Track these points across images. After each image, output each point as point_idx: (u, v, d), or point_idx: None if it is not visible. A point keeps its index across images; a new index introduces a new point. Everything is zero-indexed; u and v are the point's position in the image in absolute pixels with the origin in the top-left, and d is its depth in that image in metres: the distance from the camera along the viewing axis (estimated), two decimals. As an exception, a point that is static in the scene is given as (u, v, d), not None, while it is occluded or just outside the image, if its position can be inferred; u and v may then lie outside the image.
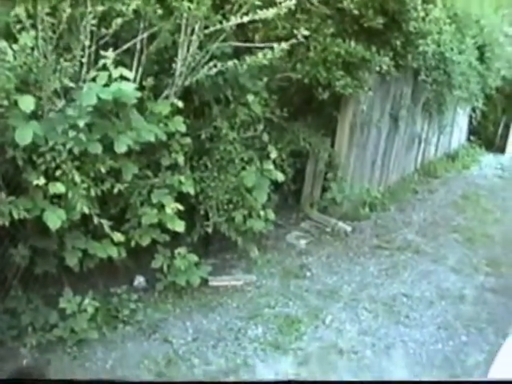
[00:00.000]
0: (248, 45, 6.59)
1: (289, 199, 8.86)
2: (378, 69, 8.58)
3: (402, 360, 6.15)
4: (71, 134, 5.15)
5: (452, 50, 11.24)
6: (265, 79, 7.32)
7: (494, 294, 7.61)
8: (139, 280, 6.81)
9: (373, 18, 7.94)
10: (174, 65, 6.17)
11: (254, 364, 5.89)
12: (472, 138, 16.58)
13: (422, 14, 8.95)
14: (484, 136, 16.59)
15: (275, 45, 6.27)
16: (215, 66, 6.16)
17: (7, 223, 5.08)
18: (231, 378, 5.64)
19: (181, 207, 6.23)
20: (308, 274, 7.67)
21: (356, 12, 7.75)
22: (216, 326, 6.44)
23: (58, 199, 5.33)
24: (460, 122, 15.37)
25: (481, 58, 13.60)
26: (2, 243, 5.53)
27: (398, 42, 8.95)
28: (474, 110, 15.40)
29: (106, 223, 5.65)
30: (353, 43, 7.93)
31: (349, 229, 8.93)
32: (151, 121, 5.90)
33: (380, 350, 6.27)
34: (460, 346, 6.46)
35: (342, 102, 9.10)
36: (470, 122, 16.43)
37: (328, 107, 8.88)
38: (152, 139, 5.73)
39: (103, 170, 5.54)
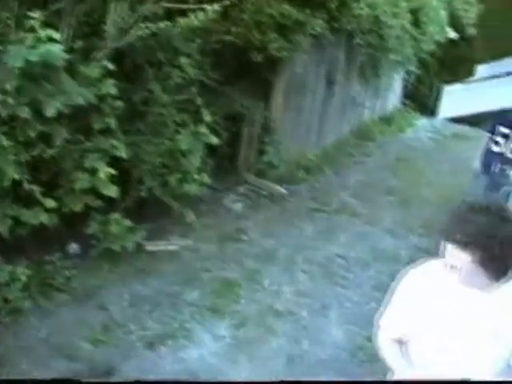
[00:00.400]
0: (180, 6, 6.46)
1: (225, 163, 8.79)
2: (312, 31, 8.55)
3: (338, 320, 6.21)
4: (-1, 97, 5.03)
5: (386, 13, 11.27)
6: (198, 41, 7.23)
7: (428, 254, 7.69)
8: (73, 247, 6.70)
9: (307, -21, 7.91)
10: (104, 26, 6.03)
11: (192, 328, 5.87)
12: (406, 101, 16.75)
13: (356, -24, 8.95)
14: (418, 100, 16.78)
15: (208, 6, 6.17)
16: (147, 27, 6.04)
17: None
18: (168, 343, 5.62)
19: (114, 172, 6.13)
20: (245, 237, 7.67)
21: (290, -26, 7.70)
22: (152, 291, 6.39)
23: (-14, 165, 5.20)
24: (395, 86, 15.50)
25: (415, 22, 13.69)
26: None
27: (333, 5, 8.95)
28: (408, 73, 15.55)
29: (36, 189, 5.54)
30: (286, 5, 7.87)
31: (285, 192, 8.95)
32: (82, 84, 5.77)
33: (316, 311, 6.31)
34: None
35: (277, 66, 9.05)
36: (405, 86, 16.59)
37: (263, 70, 8.82)
38: (82, 102, 5.61)
39: (33, 135, 5.41)
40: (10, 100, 5.04)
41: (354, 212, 8.74)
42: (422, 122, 15.78)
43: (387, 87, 14.75)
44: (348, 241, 7.85)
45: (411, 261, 7.39)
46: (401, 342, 3.29)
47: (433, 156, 12.59)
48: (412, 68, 15.12)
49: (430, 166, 11.68)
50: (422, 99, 16.65)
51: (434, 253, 7.68)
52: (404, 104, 16.70)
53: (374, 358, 5.58)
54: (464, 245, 2.77)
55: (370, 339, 5.82)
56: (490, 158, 7.60)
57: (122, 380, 4.44)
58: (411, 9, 13.23)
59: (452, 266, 2.88)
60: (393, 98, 15.81)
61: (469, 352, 2.97)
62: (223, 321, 6.03)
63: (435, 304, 3.05)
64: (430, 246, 7.89)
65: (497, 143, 7.53)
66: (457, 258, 2.84)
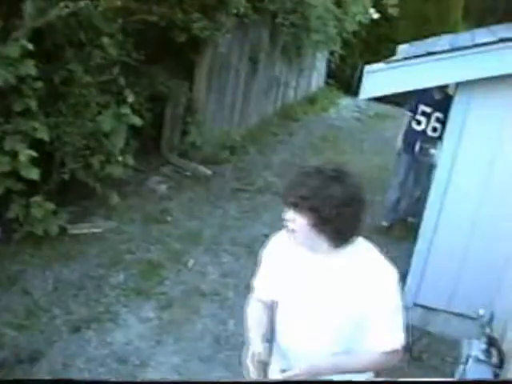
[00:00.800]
0: (101, -15, 6.40)
1: (148, 144, 8.74)
2: (235, 11, 8.53)
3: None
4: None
5: (309, -7, 11.32)
6: (120, 21, 7.14)
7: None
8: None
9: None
10: (22, 5, 5.90)
11: (117, 311, 5.85)
12: (330, 81, 16.90)
13: (277, -46, 8.96)
14: (342, 79, 16.94)
15: (129, -15, 6.12)
16: (67, 6, 5.94)
17: None
18: (94, 326, 5.58)
19: (35, 154, 6.03)
20: (169, 218, 7.66)
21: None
22: (77, 274, 6.34)
23: None
24: (318, 66, 15.62)
25: (337, 2, 13.78)
26: None
27: (256, -16, 8.94)
28: (332, 53, 15.65)
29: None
30: (209, -16, 7.85)
31: (209, 172, 8.95)
32: (0, 64, 5.65)
33: (242, 291, 6.34)
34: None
35: (200, 46, 9.01)
36: (329, 66, 16.72)
37: (186, 51, 8.79)
38: (1, 84, 5.49)
39: (-50, 117, 5.30)
40: None
41: (277, 191, 8.75)
42: (346, 101, 15.96)
43: (311, 67, 14.85)
44: (272, 220, 7.88)
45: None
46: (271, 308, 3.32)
47: (356, 135, 12.76)
48: (336, 48, 15.21)
49: (353, 146, 11.84)
50: (345, 79, 16.82)
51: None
52: (328, 84, 16.85)
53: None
54: (297, 207, 2.80)
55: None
56: (411, 136, 7.75)
57: (121, 380, 4.40)
58: (333, -12, 13.34)
59: (291, 230, 2.91)
60: (317, 77, 15.94)
61: (311, 320, 3.04)
62: (149, 302, 6.02)
63: (286, 269, 3.11)
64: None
65: (418, 122, 7.68)
66: (293, 222, 2.87)
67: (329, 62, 16.66)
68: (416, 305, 6.12)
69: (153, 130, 8.60)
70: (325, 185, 2.76)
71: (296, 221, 2.84)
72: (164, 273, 6.51)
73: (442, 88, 7.21)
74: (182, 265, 6.70)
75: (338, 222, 2.79)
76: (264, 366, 3.06)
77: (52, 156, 6.77)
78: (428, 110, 7.59)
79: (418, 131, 7.68)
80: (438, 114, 7.46)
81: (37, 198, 6.41)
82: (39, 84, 6.14)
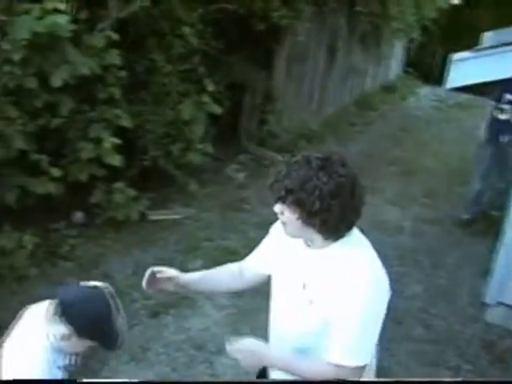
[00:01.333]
0: (184, -25, 6.49)
1: (227, 133, 8.80)
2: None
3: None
4: (6, 68, 5.05)
5: (388, -20, 11.23)
6: (200, 11, 7.22)
7: (432, 225, 7.75)
8: (78, 215, 6.76)
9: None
10: (108, -3, 6.05)
11: (195, 297, 5.93)
12: (409, 69, 16.69)
13: None
14: (421, 68, 16.71)
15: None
16: (150, -3, 6.05)
17: None
18: (172, 312, 5.69)
19: (118, 141, 6.18)
20: (246, 206, 7.72)
21: None
22: (155, 259, 6.43)
23: (-6, 135, 5.24)
24: (397, 54, 15.46)
25: (417, -11, 13.62)
26: None
27: (335, -27, 8.91)
28: (411, 41, 15.48)
29: (43, 159, 5.59)
30: (289, -27, 7.87)
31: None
32: (86, 54, 5.78)
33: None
34: (397, 277, 6.57)
35: (278, 34, 9.03)
36: (407, 54, 16.53)
37: (265, 39, 8.81)
38: (87, 72, 5.63)
39: (39, 105, 5.45)
40: (17, 71, 5.06)
41: (355, 182, 8.73)
42: (425, 90, 15.72)
43: (389, 55, 14.71)
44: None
45: (415, 232, 7.48)
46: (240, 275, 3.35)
47: (436, 125, 12.56)
48: (414, 35, 15.04)
49: (433, 136, 11.67)
50: (425, 67, 16.59)
51: (437, 223, 7.71)
52: (406, 72, 16.66)
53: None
54: (283, 200, 2.67)
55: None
56: (495, 126, 7.58)
57: (122, 380, 4.49)
58: (413, -25, 13.19)
59: (282, 223, 2.78)
60: (395, 65, 15.78)
61: (287, 308, 2.93)
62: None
63: (280, 251, 2.99)
64: (433, 216, 7.95)
65: (503, 111, 7.50)
66: (281, 215, 2.73)
67: (407, 49, 16.49)
68: (499, 303, 5.96)
69: (231, 118, 8.67)
70: (311, 176, 2.60)
71: (284, 214, 2.71)
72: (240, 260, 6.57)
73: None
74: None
75: (326, 215, 2.62)
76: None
77: (134, 143, 6.90)
78: None
79: (503, 121, 7.51)
80: None
81: (119, 184, 6.57)
82: (123, 73, 6.28)
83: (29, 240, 5.84)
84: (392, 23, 12.38)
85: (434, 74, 16.49)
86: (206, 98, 7.20)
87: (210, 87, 7.34)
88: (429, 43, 16.28)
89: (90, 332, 2.73)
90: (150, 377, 4.96)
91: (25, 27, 5.02)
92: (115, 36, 6.04)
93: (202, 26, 7.36)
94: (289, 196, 2.62)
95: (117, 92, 6.26)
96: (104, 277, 6.03)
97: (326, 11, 9.72)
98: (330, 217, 2.62)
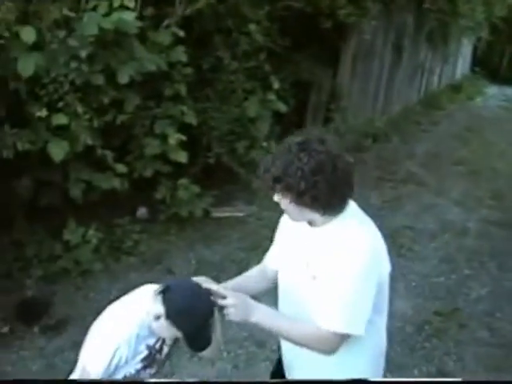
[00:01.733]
0: (250, -27, 6.47)
1: (291, 131, 8.72)
2: (382, -3, 8.46)
3: (403, 292, 6.18)
4: (73, 64, 5.10)
5: (457, -22, 11.06)
6: (266, 8, 7.20)
7: (498, 227, 7.61)
8: (142, 211, 6.82)
9: None
10: (174, -6, 6.05)
11: (257, 294, 5.92)
12: (476, 68, 16.44)
13: None
14: (489, 67, 16.45)
15: (278, -28, 6.15)
16: (216, -6, 6.05)
17: (11, 155, 5.07)
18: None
19: (184, 138, 6.19)
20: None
21: None
22: (218, 256, 6.46)
23: (61, 131, 5.28)
24: (464, 52, 15.24)
25: (488, -13, 13.38)
26: (7, 176, 5.51)
27: (403, -30, 8.80)
28: (478, 39, 15.24)
29: (109, 154, 5.63)
30: (357, -29, 7.80)
31: (351, 160, 8.84)
32: (153, 51, 5.81)
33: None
34: (463, 280, 6.48)
35: (345, 32, 8.97)
36: (475, 53, 16.28)
37: (331, 37, 8.75)
38: (154, 69, 5.65)
39: (106, 101, 5.49)
40: (85, 67, 5.10)
41: (421, 182, 8.64)
42: (493, 90, 15.46)
43: (456, 53, 14.51)
44: (415, 211, 7.78)
45: (481, 234, 7.34)
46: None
47: (504, 125, 12.33)
48: (483, 34, 14.80)
49: (500, 136, 11.46)
50: (492, 66, 16.32)
51: (503, 225, 7.55)
52: (474, 71, 16.41)
53: (442, 333, 5.61)
54: (275, 190, 2.72)
55: (437, 313, 5.83)
56: None
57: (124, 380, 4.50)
58: (483, -27, 12.96)
59: (284, 211, 2.85)
60: (462, 64, 15.56)
61: (295, 292, 2.96)
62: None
63: (287, 240, 3.07)
64: (500, 218, 7.79)
65: None
66: (280, 203, 2.77)
67: (475, 48, 16.24)
68: None
69: (296, 116, 8.63)
70: (292, 160, 2.65)
71: (281, 201, 2.75)
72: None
73: None
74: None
75: (314, 192, 2.65)
76: None
77: (198, 140, 6.92)
78: None
79: None
80: None
81: (183, 181, 6.59)
82: (188, 70, 6.28)
83: (93, 235, 5.90)
84: (460, 21, 12.19)
85: (501, 74, 16.26)
86: (271, 96, 7.18)
87: (276, 85, 7.31)
88: (497, 42, 16.02)
89: (179, 320, 2.74)
90: (211, 374, 4.96)
91: (92, 23, 5.06)
92: (181, 33, 6.05)
93: (268, 24, 7.34)
94: (277, 184, 2.67)
95: (182, 89, 6.27)
96: (167, 273, 6.07)
97: (393, 9, 9.62)
98: (319, 193, 2.65)
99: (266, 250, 6.52)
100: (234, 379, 4.96)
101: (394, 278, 6.17)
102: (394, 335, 5.50)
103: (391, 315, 5.65)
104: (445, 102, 13.12)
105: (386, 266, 2.83)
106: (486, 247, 7.10)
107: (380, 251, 2.82)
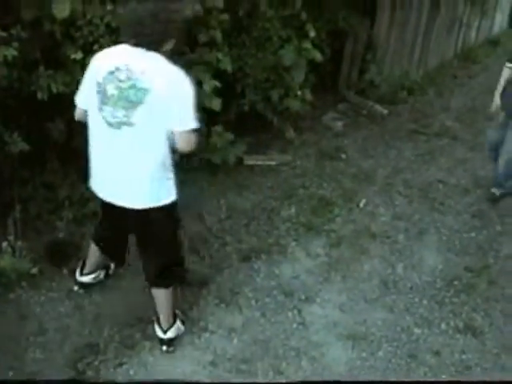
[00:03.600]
0: None
1: (326, 80, 8.66)
2: None
3: (434, 246, 6.17)
4: (109, 6, 5.06)
5: None
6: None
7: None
8: (175, 157, 6.79)
9: None
10: None
11: (286, 244, 5.95)
12: (515, 23, 16.16)
13: None
14: (528, 21, 16.17)
15: None
16: None
17: (46, 97, 5.07)
18: (263, 257, 5.71)
19: (218, 84, 6.14)
20: (343, 156, 7.62)
21: None
22: (249, 204, 6.48)
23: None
24: (503, 6, 14.93)
25: None
26: (41, 118, 5.51)
27: None
28: (518, -6, 14.94)
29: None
30: None
31: (385, 112, 8.78)
32: (189, -5, 5.74)
33: (413, 236, 6.28)
34: (494, 236, 6.45)
35: (383, -18, 8.83)
36: (514, 6, 15.99)
37: (369, -14, 8.62)
38: (190, 14, 5.58)
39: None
40: (120, 9, 5.05)
41: (455, 136, 8.54)
42: (532, 44, 15.19)
43: (495, 7, 14.23)
44: (448, 165, 7.70)
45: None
46: None
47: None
48: (523, -12, 14.52)
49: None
50: (531, 21, 16.04)
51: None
52: (512, 26, 16.13)
53: (471, 289, 5.61)
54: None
55: (467, 269, 5.83)
56: None
57: (126, 380, 4.54)
58: None
59: None
60: (500, 18, 15.25)
61: None
62: (318, 239, 6.07)
63: None
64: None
65: None
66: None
67: (515, 2, 15.94)
68: None
69: (331, 65, 8.53)
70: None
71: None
72: (335, 210, 6.53)
73: None
74: (353, 203, 6.69)
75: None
76: None
77: (232, 87, 6.86)
78: None
79: None
80: None
81: (217, 128, 6.55)
82: (225, 16, 6.21)
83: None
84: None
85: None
86: (307, 45, 7.06)
87: (312, 33, 7.20)
88: (538, -4, 15.69)
89: None
90: (239, 321, 5.02)
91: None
92: (219, -23, 5.96)
93: (307, -28, 7.22)
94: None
95: (218, 35, 6.19)
96: (198, 219, 6.10)
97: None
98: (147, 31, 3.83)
99: (299, 199, 6.60)
100: (261, 328, 5.01)
101: (425, 231, 6.23)
102: (423, 290, 5.54)
103: (421, 269, 5.70)
104: (482, 56, 12.88)
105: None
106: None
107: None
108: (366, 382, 4.73)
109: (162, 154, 4.06)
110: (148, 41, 3.82)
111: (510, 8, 15.48)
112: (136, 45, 3.84)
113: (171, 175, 4.25)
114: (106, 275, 5.18)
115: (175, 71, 3.92)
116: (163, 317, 4.65)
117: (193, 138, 4.10)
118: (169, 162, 4.15)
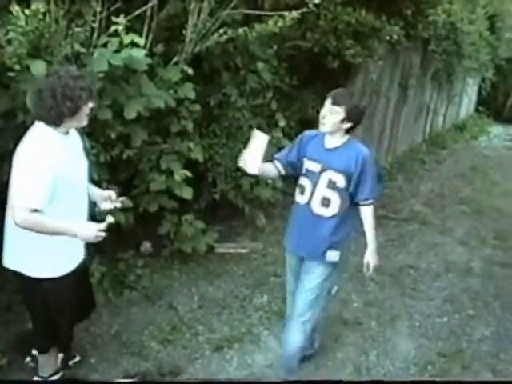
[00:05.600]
0: (259, 12, 6.50)
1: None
2: (388, 38, 8.51)
3: (407, 332, 6.17)
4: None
5: (462, 20, 11.18)
6: (274, 47, 7.26)
7: (502, 267, 7.62)
8: (146, 246, 6.83)
9: (384, -13, 7.87)
10: (184, 31, 6.09)
11: (259, 332, 5.91)
12: (481, 108, 16.54)
13: (433, -17, 8.89)
14: (493, 107, 16.55)
15: (286, 13, 6.18)
16: (225, 33, 6.05)
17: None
18: (235, 347, 5.66)
19: (189, 174, 6.21)
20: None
21: (367, -19, 7.67)
22: (221, 293, 6.46)
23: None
24: (469, 92, 15.33)
25: (491, 29, 13.53)
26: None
27: (409, 12, 8.89)
28: (483, 80, 15.36)
29: (114, 189, 5.65)
30: (363, 12, 7.85)
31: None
32: (161, 87, 5.84)
33: (385, 322, 6.28)
34: (466, 320, 6.47)
35: (351, 71, 9.04)
36: (479, 93, 16.39)
37: (337, 76, 8.79)
38: (162, 105, 5.68)
39: (113, 136, 5.53)
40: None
41: (424, 221, 8.67)
42: (497, 129, 15.54)
43: (461, 93, 14.59)
44: (418, 251, 7.80)
45: (485, 274, 7.36)
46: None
47: (507, 165, 12.38)
48: (488, 74, 14.91)
49: (504, 176, 11.50)
50: (497, 106, 16.43)
51: (507, 266, 7.56)
52: (478, 111, 16.50)
53: (445, 374, 5.59)
54: None
55: (441, 354, 5.82)
56: None
57: (129, 380, 4.51)
58: (487, 15, 13.09)
59: None
60: (467, 104, 15.64)
61: None
62: (291, 326, 6.05)
63: None
64: (503, 258, 7.80)
65: None
66: None
67: (480, 88, 16.34)
68: None
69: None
70: None
71: None
72: (307, 298, 6.53)
73: None
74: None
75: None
76: None
77: (203, 176, 6.94)
78: None
79: None
80: None
81: (188, 216, 6.60)
82: (196, 106, 6.32)
83: (96, 268, 5.91)
84: (465, 62, 12.29)
85: (506, 113, 16.34)
86: (277, 133, 7.21)
87: (282, 122, 7.36)
88: (502, 82, 16.10)
89: None
90: None
91: (102, 60, 5.10)
92: (190, 70, 6.09)
93: (276, 62, 7.39)
94: None
95: (189, 125, 6.30)
96: (169, 308, 6.08)
97: (399, 49, 9.70)
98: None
99: (271, 287, 6.59)
100: None
101: (397, 317, 6.24)
102: (397, 376, 5.51)
103: (395, 356, 5.68)
104: (449, 142, 13.19)
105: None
106: (489, 287, 7.11)
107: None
108: (366, 382, 4.67)
109: None
110: (46, 115, 3.90)
111: (476, 93, 15.89)
112: (37, 118, 4.01)
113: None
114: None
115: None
116: None
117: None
118: None
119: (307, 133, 4.96)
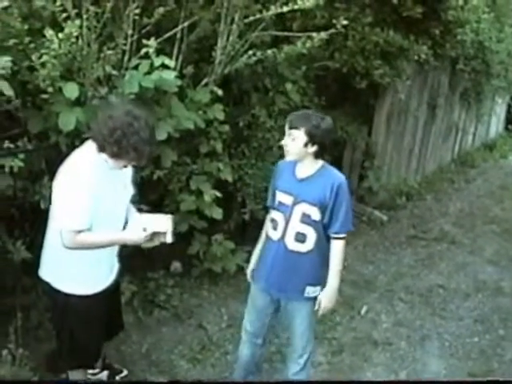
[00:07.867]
0: (287, 34, 6.57)
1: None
2: (416, 58, 8.51)
3: (437, 352, 6.15)
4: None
5: (491, 38, 11.13)
6: (303, 68, 7.30)
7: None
8: (176, 265, 6.87)
9: (412, 7, 7.86)
10: (213, 53, 6.16)
11: (285, 350, 5.91)
12: (510, 127, 16.43)
13: (460, 2, 8.89)
14: (523, 125, 16.45)
15: (314, 34, 6.23)
16: (254, 54, 6.11)
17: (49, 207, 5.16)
18: (265, 366, 5.67)
19: (219, 194, 6.27)
20: (343, 263, 7.64)
21: (395, 1, 7.67)
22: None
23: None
24: (498, 111, 15.22)
25: (520, 47, 13.44)
26: (43, 227, 5.57)
27: (437, 31, 8.87)
28: (512, 98, 15.26)
29: (145, 209, 5.70)
30: (391, 32, 7.87)
31: (385, 218, 8.90)
32: (191, 108, 5.90)
33: (415, 342, 6.27)
34: (497, 340, 6.43)
35: (379, 91, 9.06)
36: (508, 111, 16.29)
37: (365, 96, 8.84)
38: (191, 127, 5.74)
39: (144, 157, 5.59)
40: (124, 124, 5.20)
41: (454, 240, 8.64)
42: (527, 148, 15.43)
43: (490, 112, 14.52)
44: (448, 270, 7.77)
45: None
46: None
47: (537, 184, 12.30)
48: (517, 93, 14.85)
49: (534, 195, 11.43)
50: (526, 125, 16.33)
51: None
52: (508, 130, 16.40)
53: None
54: None
55: (471, 374, 5.79)
56: None
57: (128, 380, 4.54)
58: (516, 33, 13.04)
59: None
60: (496, 123, 15.54)
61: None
62: (320, 346, 6.04)
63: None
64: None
65: None
66: None
67: (509, 107, 16.25)
68: None
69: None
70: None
71: None
72: (337, 318, 6.52)
73: None
74: (354, 311, 6.70)
75: None
76: None
77: (233, 196, 6.99)
78: None
79: None
80: None
81: (218, 237, 6.65)
82: (226, 127, 6.37)
83: (126, 287, 5.96)
84: (494, 81, 12.24)
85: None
86: (305, 154, 7.22)
87: (311, 143, 7.37)
88: (531, 100, 16.03)
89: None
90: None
91: (133, 81, 5.17)
92: (219, 91, 6.15)
93: (305, 83, 7.43)
94: None
95: (219, 146, 6.36)
96: (198, 327, 6.11)
97: (427, 69, 9.71)
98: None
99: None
100: None
101: (427, 337, 6.22)
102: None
103: (424, 376, 5.64)
104: (478, 161, 13.11)
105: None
106: (521, 307, 7.06)
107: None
108: (367, 382, 4.64)
109: None
110: (106, 147, 3.95)
111: (505, 112, 15.81)
112: (93, 140, 4.05)
113: None
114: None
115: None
116: None
117: None
118: None
119: (280, 162, 4.74)
